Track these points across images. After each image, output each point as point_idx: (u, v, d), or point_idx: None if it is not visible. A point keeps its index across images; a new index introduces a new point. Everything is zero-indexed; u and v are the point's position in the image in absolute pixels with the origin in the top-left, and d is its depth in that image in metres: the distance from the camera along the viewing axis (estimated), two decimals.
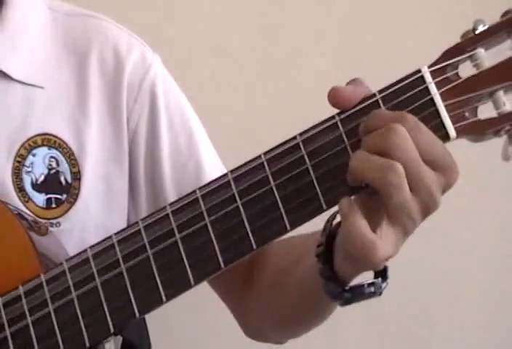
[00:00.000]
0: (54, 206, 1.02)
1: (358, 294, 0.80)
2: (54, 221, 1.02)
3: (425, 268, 1.72)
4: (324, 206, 0.74)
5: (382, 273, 0.80)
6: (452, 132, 0.71)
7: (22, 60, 1.04)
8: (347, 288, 0.80)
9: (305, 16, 1.75)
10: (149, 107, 1.07)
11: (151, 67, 1.09)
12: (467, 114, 0.71)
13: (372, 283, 0.80)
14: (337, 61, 1.76)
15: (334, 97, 0.75)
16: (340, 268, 0.80)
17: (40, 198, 1.02)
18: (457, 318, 1.78)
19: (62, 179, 1.03)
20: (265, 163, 0.76)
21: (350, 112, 0.74)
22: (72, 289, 0.80)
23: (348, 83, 0.76)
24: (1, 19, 1.04)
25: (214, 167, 1.09)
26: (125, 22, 1.13)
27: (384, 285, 0.81)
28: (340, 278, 0.80)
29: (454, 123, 0.71)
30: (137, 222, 0.79)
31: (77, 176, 1.03)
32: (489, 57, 0.71)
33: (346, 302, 0.81)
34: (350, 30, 1.76)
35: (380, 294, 0.81)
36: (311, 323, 0.97)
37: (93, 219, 1.05)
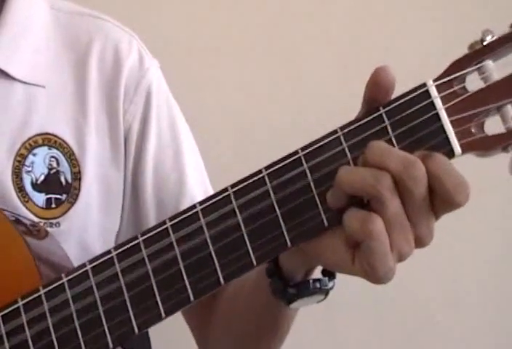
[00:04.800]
0: (53, 206, 1.02)
1: (303, 289, 0.80)
2: (53, 221, 1.02)
3: (425, 268, 1.72)
4: (326, 223, 0.72)
5: (329, 272, 0.81)
6: (458, 149, 0.69)
7: (23, 60, 1.04)
8: (291, 283, 0.80)
9: (306, 16, 1.75)
10: (142, 113, 1.07)
11: (148, 71, 1.09)
12: (473, 130, 0.69)
13: (318, 280, 0.80)
14: (337, 61, 1.76)
15: (386, 75, 0.72)
16: (285, 263, 0.80)
17: (40, 198, 1.02)
18: (458, 318, 1.78)
19: (62, 179, 1.03)
20: (266, 178, 0.74)
21: (353, 126, 0.72)
22: (71, 303, 0.79)
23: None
24: (2, 18, 1.04)
25: (198, 182, 1.09)
26: (125, 21, 1.13)
27: (331, 284, 0.81)
28: (284, 274, 0.80)
29: (459, 139, 0.69)
30: (136, 236, 0.78)
31: (77, 176, 1.03)
32: (497, 68, 0.69)
33: (292, 298, 0.81)
34: (351, 30, 1.76)
35: (327, 293, 0.81)
36: (271, 341, 0.95)
37: (92, 219, 1.04)
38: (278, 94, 1.74)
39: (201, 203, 0.76)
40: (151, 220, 1.06)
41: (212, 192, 1.08)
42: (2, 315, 0.82)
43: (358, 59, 1.73)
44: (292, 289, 0.80)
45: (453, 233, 1.70)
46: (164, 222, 0.77)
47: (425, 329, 1.77)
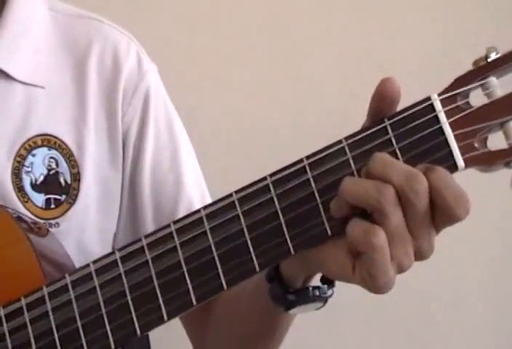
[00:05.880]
0: (53, 206, 1.02)
1: (302, 296, 0.80)
2: (52, 221, 1.02)
3: (425, 268, 1.72)
4: (329, 232, 0.73)
5: (329, 280, 0.81)
6: (461, 163, 0.70)
7: (23, 61, 1.04)
8: (290, 290, 0.81)
9: (306, 16, 1.75)
10: (140, 115, 1.08)
11: (147, 74, 1.09)
12: (476, 144, 0.70)
13: (317, 287, 0.81)
14: (337, 61, 1.76)
15: (392, 86, 0.72)
16: (285, 269, 0.80)
17: (39, 199, 1.02)
18: (458, 318, 1.78)
19: (61, 179, 1.03)
20: (271, 186, 0.74)
21: (357, 137, 0.72)
22: (74, 303, 0.79)
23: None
24: (2, 20, 1.04)
25: (195, 184, 1.09)
26: (125, 22, 1.13)
27: (330, 292, 0.81)
28: (284, 279, 0.81)
29: (462, 153, 0.70)
30: (140, 239, 0.78)
31: (76, 177, 1.03)
32: (500, 85, 0.70)
33: (290, 305, 0.81)
34: (351, 30, 1.76)
35: (326, 301, 0.82)
36: (269, 342, 0.95)
37: (91, 220, 1.04)
38: (278, 94, 1.74)
39: (205, 208, 0.76)
40: (148, 221, 1.06)
41: (208, 194, 1.09)
42: (5, 314, 0.82)
43: (359, 59, 1.73)
44: (291, 295, 0.81)
45: (453, 234, 1.70)
46: (169, 226, 0.77)
47: (425, 328, 1.77)
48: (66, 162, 1.03)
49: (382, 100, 0.72)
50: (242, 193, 0.75)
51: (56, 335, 0.80)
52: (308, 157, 0.74)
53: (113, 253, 0.79)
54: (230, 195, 0.76)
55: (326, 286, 0.81)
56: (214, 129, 1.71)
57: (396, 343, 1.78)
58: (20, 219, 0.91)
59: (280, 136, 1.71)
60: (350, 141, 0.73)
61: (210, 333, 1.02)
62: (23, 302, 0.82)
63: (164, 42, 1.66)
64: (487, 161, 0.70)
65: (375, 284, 0.70)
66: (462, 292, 1.78)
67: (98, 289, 0.79)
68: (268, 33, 1.75)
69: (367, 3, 1.76)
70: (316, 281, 0.82)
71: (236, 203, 0.75)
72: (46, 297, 0.81)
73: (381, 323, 1.77)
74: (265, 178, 0.75)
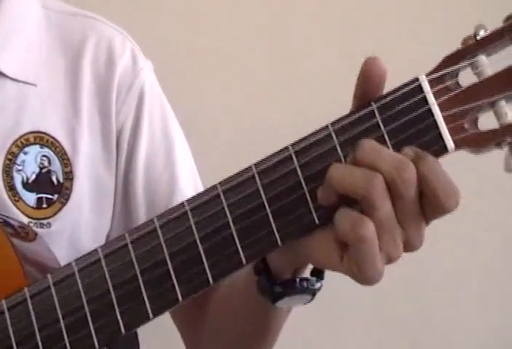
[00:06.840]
0: (45, 206, 1.01)
1: (289, 287, 0.79)
2: (44, 221, 1.00)
3: (425, 268, 1.72)
4: (317, 221, 0.71)
5: (318, 273, 0.80)
6: (451, 144, 0.68)
7: (15, 58, 1.03)
8: (278, 281, 0.79)
9: (306, 16, 1.75)
10: (134, 113, 1.07)
11: (142, 71, 1.08)
12: (466, 125, 0.68)
13: (305, 279, 0.79)
14: (337, 61, 1.76)
15: (377, 66, 0.70)
16: (273, 261, 0.79)
17: (30, 198, 1.00)
18: (458, 319, 1.78)
19: (54, 178, 1.01)
20: (256, 176, 0.72)
21: (344, 122, 0.71)
22: (57, 304, 0.78)
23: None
24: None
25: (189, 183, 1.08)
26: (125, 22, 1.13)
27: (318, 285, 0.80)
28: (271, 271, 0.79)
29: (452, 134, 0.68)
30: (123, 236, 0.76)
31: (69, 176, 1.02)
32: (490, 63, 0.68)
33: (277, 297, 0.79)
34: (352, 30, 1.76)
35: (314, 294, 0.80)
36: (262, 340, 0.94)
37: (84, 220, 1.03)
38: (278, 94, 1.74)
39: (189, 202, 0.74)
40: (142, 220, 1.03)
41: None
42: None
43: (358, 59, 1.72)
44: (278, 286, 0.79)
45: (453, 233, 1.70)
46: (152, 222, 0.75)
47: (425, 329, 1.77)
48: (59, 160, 1.02)
49: (367, 82, 0.71)
50: (227, 185, 0.73)
51: (38, 336, 0.78)
52: (293, 145, 0.72)
53: (95, 251, 0.77)
54: (215, 187, 0.74)
55: (314, 278, 0.80)
56: (214, 129, 1.71)
57: (395, 344, 1.78)
58: (6, 223, 0.89)
59: (280, 136, 1.70)
60: (336, 127, 0.71)
61: (205, 334, 1.01)
62: (4, 304, 0.80)
63: (164, 42, 1.66)
64: (478, 142, 0.68)
65: (363, 275, 0.69)
66: (462, 292, 1.78)
67: (81, 288, 0.77)
68: (268, 33, 1.74)
69: (367, 3, 1.76)
70: (305, 274, 0.81)
71: (221, 195, 0.73)
72: (28, 299, 0.79)
73: (381, 324, 1.77)
74: (250, 168, 0.73)
